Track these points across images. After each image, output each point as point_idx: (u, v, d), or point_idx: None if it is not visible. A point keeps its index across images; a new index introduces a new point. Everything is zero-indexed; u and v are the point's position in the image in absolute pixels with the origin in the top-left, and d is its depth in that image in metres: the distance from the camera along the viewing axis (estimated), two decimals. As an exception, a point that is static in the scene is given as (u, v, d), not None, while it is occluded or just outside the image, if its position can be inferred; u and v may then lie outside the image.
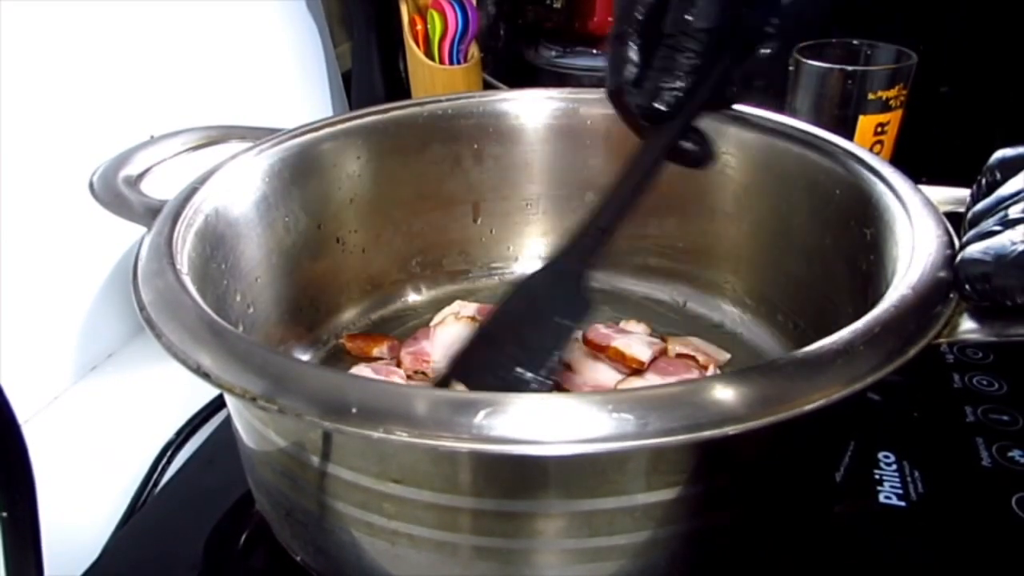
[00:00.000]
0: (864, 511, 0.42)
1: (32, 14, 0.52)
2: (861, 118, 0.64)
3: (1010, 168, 0.33)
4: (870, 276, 0.40)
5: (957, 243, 0.33)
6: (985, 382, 0.51)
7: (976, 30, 0.76)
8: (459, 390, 0.33)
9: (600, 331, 0.51)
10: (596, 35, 0.88)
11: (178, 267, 0.35)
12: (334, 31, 0.90)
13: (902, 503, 0.42)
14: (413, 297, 0.59)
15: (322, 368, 0.29)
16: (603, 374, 0.49)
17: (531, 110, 0.57)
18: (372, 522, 0.32)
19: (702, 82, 0.38)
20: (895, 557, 0.40)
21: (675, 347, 0.51)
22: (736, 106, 0.51)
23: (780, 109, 0.50)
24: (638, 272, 0.59)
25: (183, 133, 0.49)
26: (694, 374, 0.48)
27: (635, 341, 0.50)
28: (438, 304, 0.57)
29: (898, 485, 0.44)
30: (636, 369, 0.49)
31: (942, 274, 0.32)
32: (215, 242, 0.42)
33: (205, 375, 0.29)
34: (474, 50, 0.80)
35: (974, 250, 0.30)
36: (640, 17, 0.38)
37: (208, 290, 0.38)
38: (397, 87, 0.86)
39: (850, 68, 0.64)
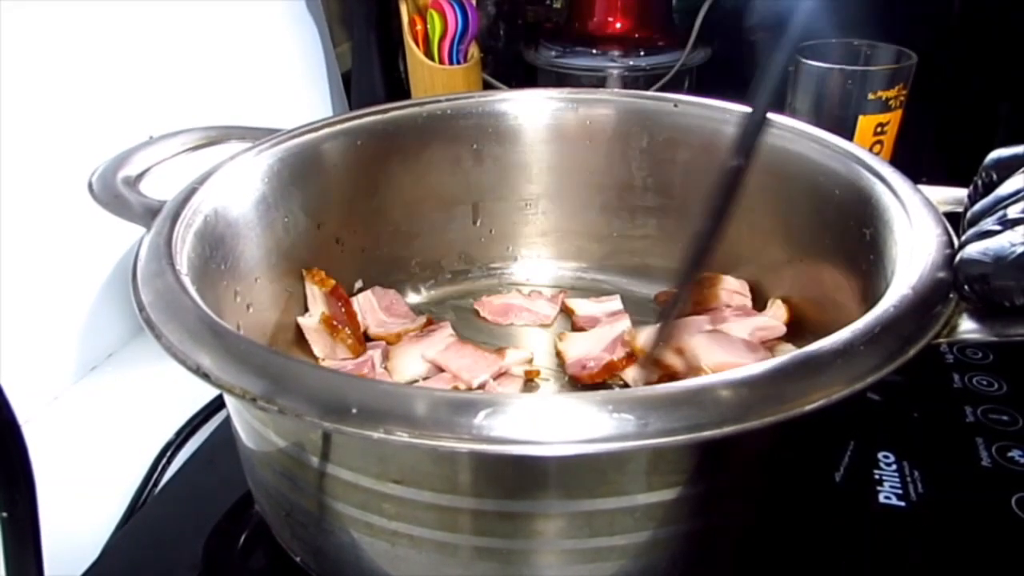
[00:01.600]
0: (864, 511, 0.42)
1: (32, 14, 0.52)
2: (861, 118, 0.64)
3: (1006, 168, 0.33)
4: (870, 276, 0.40)
5: (956, 243, 0.33)
6: (985, 382, 0.51)
7: (975, 30, 0.77)
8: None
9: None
10: (596, 35, 0.88)
11: (177, 268, 0.35)
12: (334, 31, 0.90)
13: (902, 503, 0.42)
14: (413, 297, 0.59)
15: (322, 368, 0.28)
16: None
17: (530, 110, 0.57)
18: (372, 523, 0.32)
19: None
20: (895, 557, 0.40)
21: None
22: (736, 106, 0.51)
23: (780, 109, 0.50)
24: (638, 272, 0.59)
25: (182, 133, 0.49)
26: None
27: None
28: (438, 304, 0.58)
29: (898, 485, 0.44)
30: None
31: (941, 274, 0.32)
32: (214, 242, 0.42)
33: (205, 376, 0.29)
34: (474, 50, 0.80)
35: (973, 251, 0.30)
36: None
37: (207, 291, 0.38)
38: (397, 87, 0.86)
39: (850, 68, 0.64)
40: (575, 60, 0.86)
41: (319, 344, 0.51)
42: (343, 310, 0.51)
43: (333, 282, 0.51)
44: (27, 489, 0.28)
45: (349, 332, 0.51)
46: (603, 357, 0.50)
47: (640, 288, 0.59)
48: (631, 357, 0.50)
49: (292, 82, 0.83)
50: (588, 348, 0.51)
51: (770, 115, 0.37)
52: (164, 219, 0.39)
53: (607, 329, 0.53)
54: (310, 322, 0.51)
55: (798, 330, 0.50)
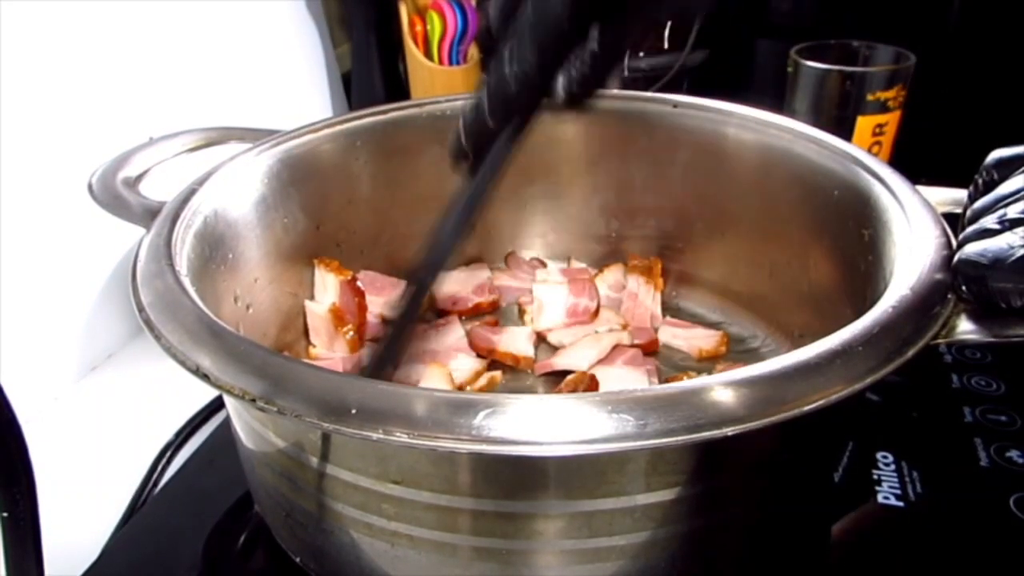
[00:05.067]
0: (862, 511, 0.42)
1: (32, 14, 0.52)
2: (859, 119, 0.64)
3: (1007, 167, 0.33)
4: (868, 277, 0.40)
5: (955, 243, 0.33)
6: (983, 382, 0.51)
7: (975, 31, 0.77)
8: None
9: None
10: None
11: (177, 268, 0.35)
12: (334, 32, 0.90)
13: (900, 503, 0.43)
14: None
15: (321, 369, 0.28)
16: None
17: (530, 111, 0.57)
18: (371, 523, 0.32)
19: None
20: (893, 557, 0.40)
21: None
22: (735, 107, 0.51)
23: (778, 110, 0.51)
24: (637, 273, 0.59)
25: (182, 134, 0.49)
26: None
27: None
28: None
29: (896, 485, 0.44)
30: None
31: (940, 276, 0.32)
32: (214, 243, 0.42)
33: (204, 376, 0.29)
34: (473, 51, 0.80)
35: (972, 251, 0.30)
36: None
37: (207, 291, 0.38)
38: (397, 88, 0.86)
39: (849, 69, 0.64)
40: (575, 61, 0.85)
41: (320, 333, 0.51)
42: (356, 302, 0.51)
43: (351, 272, 0.51)
44: (27, 489, 0.28)
45: (352, 328, 0.51)
46: (470, 298, 0.57)
47: (639, 288, 0.59)
48: (494, 303, 0.57)
49: (292, 83, 0.83)
50: (457, 287, 0.58)
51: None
52: (164, 220, 0.39)
53: (470, 274, 0.59)
54: (319, 309, 0.51)
55: (795, 330, 0.50)
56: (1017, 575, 0.39)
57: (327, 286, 0.51)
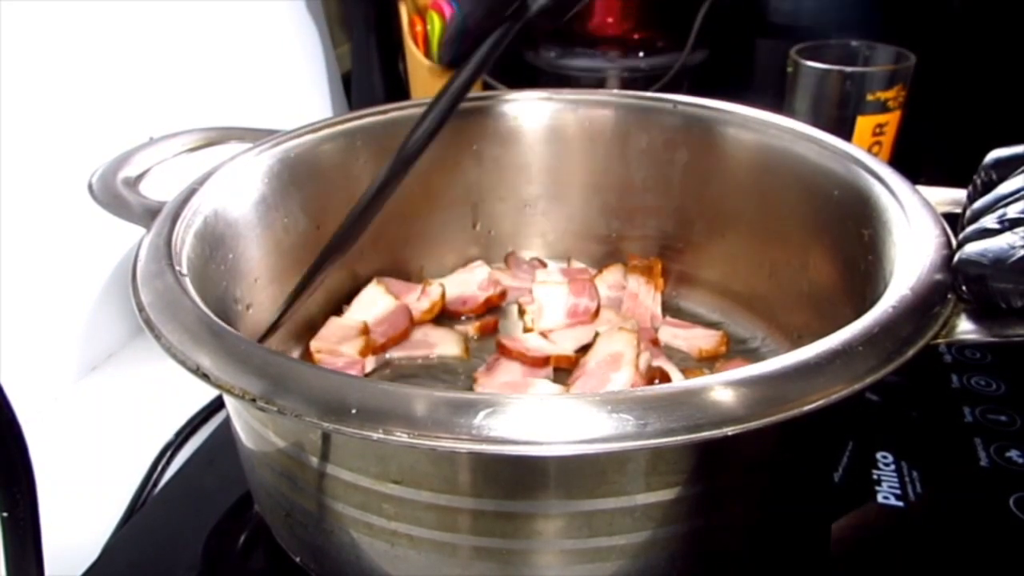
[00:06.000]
0: (862, 511, 0.42)
1: (32, 14, 0.52)
2: (859, 119, 0.64)
3: (1006, 167, 0.33)
4: (868, 277, 0.40)
5: (955, 243, 0.34)
6: (983, 382, 0.51)
7: (974, 31, 0.77)
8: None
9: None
10: (595, 36, 0.88)
11: (177, 268, 0.35)
12: (334, 32, 0.90)
13: (900, 503, 0.43)
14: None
15: (322, 369, 0.29)
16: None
17: (530, 111, 0.57)
18: (372, 523, 0.32)
19: None
20: (893, 557, 0.40)
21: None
22: (735, 107, 0.51)
23: (778, 110, 0.51)
24: (637, 272, 0.59)
25: (182, 134, 0.49)
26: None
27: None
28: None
29: (896, 485, 0.44)
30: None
31: (940, 275, 0.32)
32: (214, 243, 0.42)
33: (204, 376, 0.29)
34: (473, 51, 0.80)
35: (972, 251, 0.30)
36: None
37: (207, 291, 0.38)
38: (397, 88, 0.86)
39: (848, 69, 0.64)
40: (575, 61, 0.86)
41: (329, 339, 0.51)
42: (405, 328, 0.53)
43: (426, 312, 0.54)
44: (28, 489, 0.28)
45: (367, 341, 0.51)
46: (479, 295, 0.57)
47: (639, 288, 0.59)
48: (502, 295, 0.58)
49: (292, 83, 0.83)
50: (463, 288, 0.58)
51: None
52: (164, 220, 0.39)
53: (470, 274, 0.59)
54: (349, 321, 0.52)
55: (795, 330, 0.50)
56: (1017, 575, 0.39)
57: (376, 304, 0.52)
